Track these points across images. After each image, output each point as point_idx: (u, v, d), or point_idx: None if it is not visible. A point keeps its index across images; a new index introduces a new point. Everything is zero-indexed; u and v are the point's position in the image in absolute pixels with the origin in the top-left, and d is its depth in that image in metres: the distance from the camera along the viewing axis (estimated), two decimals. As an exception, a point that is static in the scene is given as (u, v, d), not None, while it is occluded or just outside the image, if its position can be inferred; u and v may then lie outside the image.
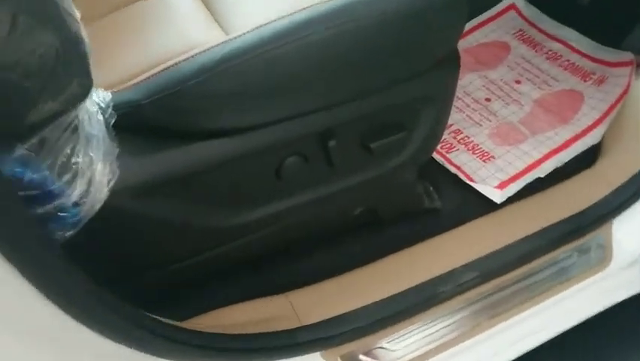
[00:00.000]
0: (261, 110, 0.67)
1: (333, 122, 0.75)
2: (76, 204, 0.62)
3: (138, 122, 0.65)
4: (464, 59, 1.40)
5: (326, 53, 0.66)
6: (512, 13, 1.49)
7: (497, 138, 1.21)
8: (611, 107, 1.23)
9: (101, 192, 0.63)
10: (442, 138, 1.19)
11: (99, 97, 0.66)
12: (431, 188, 1.08)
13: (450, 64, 0.82)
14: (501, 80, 1.34)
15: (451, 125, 1.23)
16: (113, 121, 0.65)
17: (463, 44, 1.43)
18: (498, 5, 1.48)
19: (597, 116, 1.23)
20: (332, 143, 0.75)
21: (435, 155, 1.17)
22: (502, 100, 1.29)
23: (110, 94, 0.66)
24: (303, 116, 0.71)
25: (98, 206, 0.63)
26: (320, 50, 0.65)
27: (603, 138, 1.18)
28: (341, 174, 0.82)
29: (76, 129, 0.60)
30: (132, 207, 0.66)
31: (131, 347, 0.61)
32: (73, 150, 0.60)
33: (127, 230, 0.69)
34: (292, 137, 0.73)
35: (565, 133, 1.20)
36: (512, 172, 1.14)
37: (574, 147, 1.17)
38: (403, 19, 0.67)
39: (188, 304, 0.82)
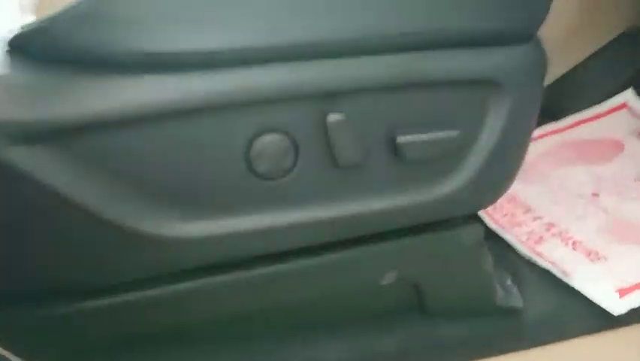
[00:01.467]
0: (226, 26, 0.44)
1: (338, 84, 0.49)
2: None
3: (46, 43, 0.45)
4: (564, 153, 1.13)
5: None
6: (624, 112, 1.22)
7: (610, 234, 0.87)
8: None
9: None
10: (529, 228, 0.89)
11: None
12: (509, 281, 0.75)
13: (533, 49, 0.56)
14: (613, 176, 1.02)
15: (541, 216, 0.92)
16: (10, 37, 0.45)
17: (563, 137, 1.16)
18: (606, 102, 1.22)
19: None
20: (334, 117, 0.49)
21: (516, 244, 0.85)
22: (618, 196, 0.97)
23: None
24: (290, 58, 0.46)
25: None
26: None
27: None
28: (353, 186, 0.54)
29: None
30: (7, 156, 0.43)
31: None
32: None
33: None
34: (271, 93, 0.48)
35: None
36: (635, 281, 0.78)
37: None
38: None
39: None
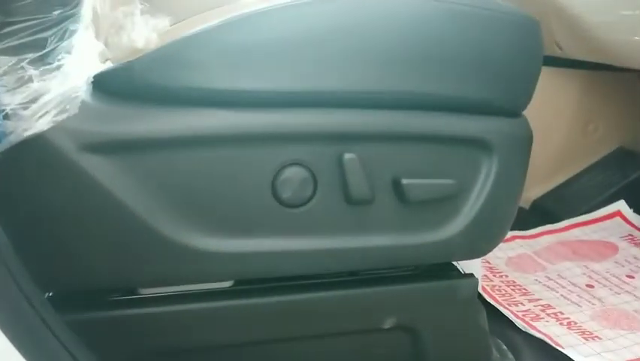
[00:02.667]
0: (272, 73, 0.55)
1: (354, 129, 0.58)
2: (5, 116, 0.49)
3: (122, 80, 0.56)
4: (560, 250, 1.20)
5: (375, 18, 0.56)
6: (618, 219, 1.29)
7: (604, 321, 0.91)
8: None
9: (41, 119, 0.50)
10: (525, 308, 0.93)
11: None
12: (504, 346, 0.78)
13: (520, 124, 0.66)
14: (607, 272, 1.08)
15: (537, 299, 0.96)
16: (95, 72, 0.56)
17: (559, 237, 1.23)
18: (601, 210, 1.30)
19: None
20: (349, 156, 0.58)
21: (513, 318, 0.88)
22: (610, 289, 1.01)
23: None
24: (319, 104, 0.56)
25: (30, 132, 0.50)
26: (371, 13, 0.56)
27: None
28: (362, 221, 0.60)
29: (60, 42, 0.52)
30: (77, 160, 0.51)
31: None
32: (37, 60, 0.51)
33: (61, 192, 0.52)
34: (297, 132, 0.57)
35: None
36: (630, 357, 0.81)
37: None
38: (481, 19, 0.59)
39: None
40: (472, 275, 0.69)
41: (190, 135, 0.55)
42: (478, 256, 0.68)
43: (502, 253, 1.14)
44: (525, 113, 0.69)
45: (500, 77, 0.64)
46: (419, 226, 0.62)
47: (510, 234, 1.21)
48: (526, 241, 1.21)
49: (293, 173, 0.58)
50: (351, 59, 0.57)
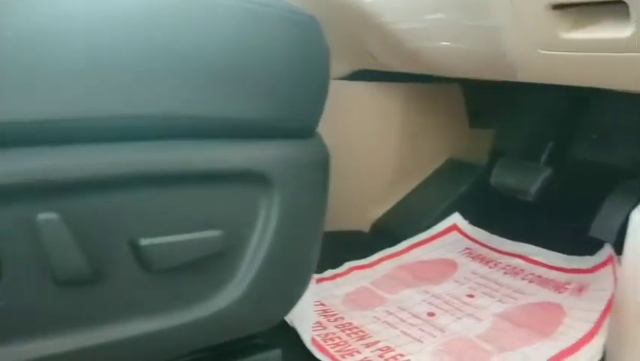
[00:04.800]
0: None
1: (50, 177, 0.39)
2: None
3: None
4: (401, 275, 1.10)
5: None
6: (455, 234, 1.25)
7: (447, 355, 0.81)
8: (604, 314, 0.88)
9: None
10: (362, 356, 0.80)
11: None
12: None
13: (311, 145, 0.52)
14: (447, 294, 1.00)
15: (376, 342, 0.85)
16: None
17: (400, 261, 1.14)
18: (438, 225, 1.25)
19: (588, 328, 0.86)
20: (46, 216, 0.39)
21: (347, 373, 0.75)
22: (451, 314, 0.93)
23: None
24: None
25: None
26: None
27: (607, 349, 0.80)
28: (90, 307, 0.42)
29: None
30: None
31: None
32: None
33: None
34: None
35: (548, 349, 0.82)
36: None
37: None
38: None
39: None
40: (275, 347, 0.54)
41: None
42: (270, 325, 0.53)
43: (339, 290, 1.02)
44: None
45: (277, 90, 0.50)
46: (177, 300, 0.45)
47: (347, 265, 1.10)
48: (365, 271, 1.10)
49: None
50: (45, 74, 0.38)
